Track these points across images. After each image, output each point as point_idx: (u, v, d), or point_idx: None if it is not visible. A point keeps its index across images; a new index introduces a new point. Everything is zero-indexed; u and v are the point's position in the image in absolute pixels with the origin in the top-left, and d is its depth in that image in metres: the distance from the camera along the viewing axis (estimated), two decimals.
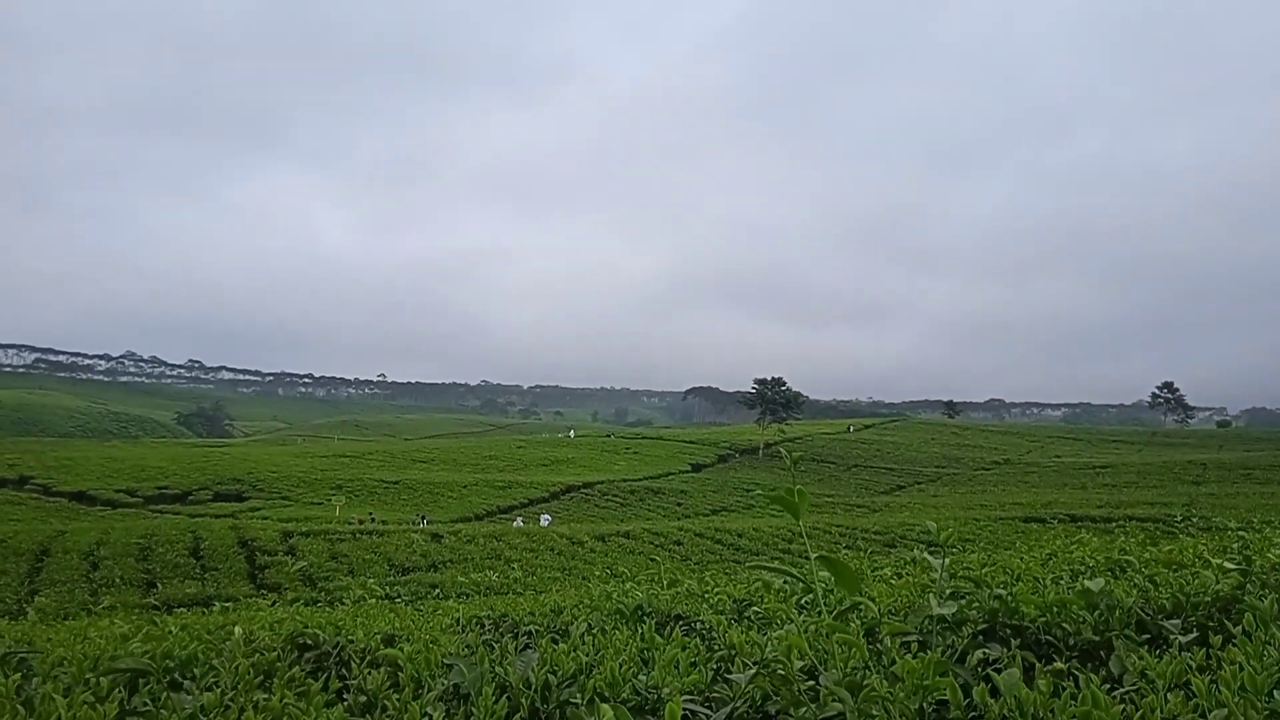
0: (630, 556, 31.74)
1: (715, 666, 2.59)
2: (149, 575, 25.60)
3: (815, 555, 2.34)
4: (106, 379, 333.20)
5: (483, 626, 4.80)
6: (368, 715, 2.41)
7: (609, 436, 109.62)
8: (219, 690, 2.46)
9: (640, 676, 2.44)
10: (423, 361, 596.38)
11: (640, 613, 4.98)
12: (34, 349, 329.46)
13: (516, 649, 3.14)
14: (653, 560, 30.63)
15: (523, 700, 2.39)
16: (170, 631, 3.90)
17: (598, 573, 25.86)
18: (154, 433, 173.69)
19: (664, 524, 44.24)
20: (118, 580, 24.56)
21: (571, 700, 2.36)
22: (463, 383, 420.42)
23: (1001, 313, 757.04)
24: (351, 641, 3.65)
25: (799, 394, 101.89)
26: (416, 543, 31.50)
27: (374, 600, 9.61)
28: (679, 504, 62.34)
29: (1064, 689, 1.94)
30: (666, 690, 2.35)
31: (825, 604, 2.41)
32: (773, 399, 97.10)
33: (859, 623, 2.67)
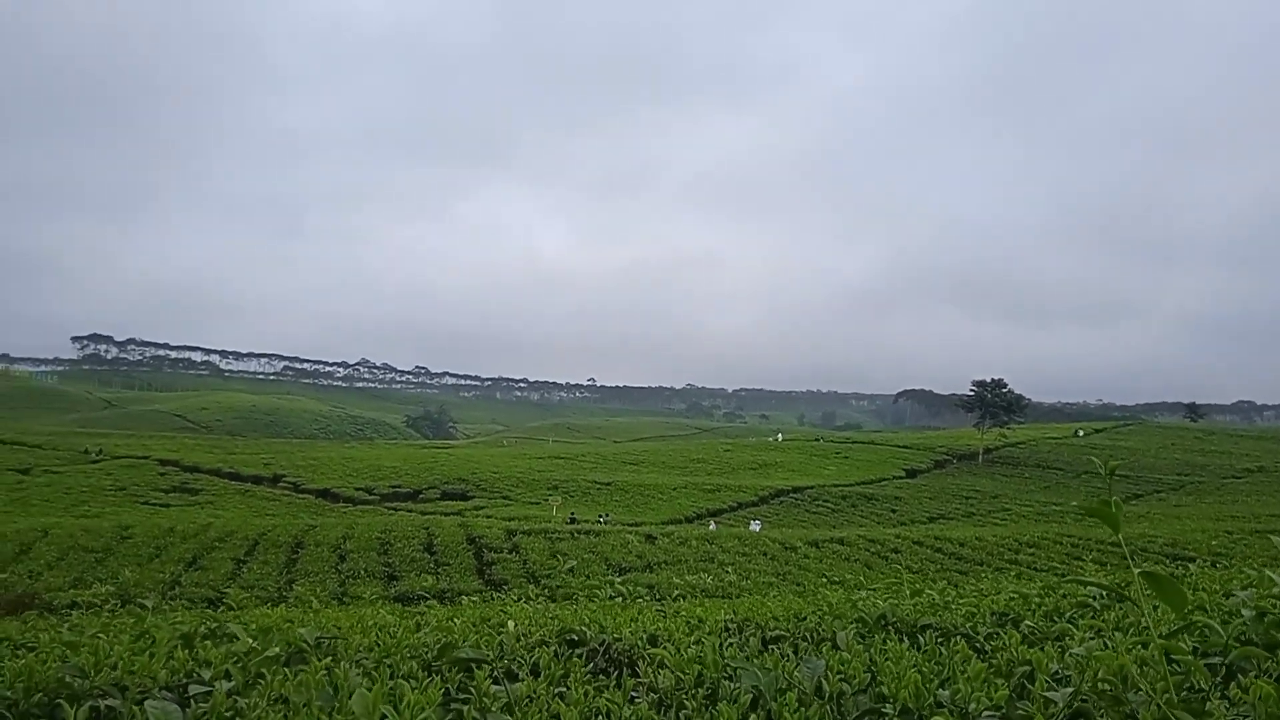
0: (845, 564, 31.09)
1: (1015, 684, 2.47)
2: (389, 568, 27.37)
3: (1139, 570, 2.17)
4: (344, 385, 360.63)
5: (727, 629, 4.80)
6: (664, 713, 2.44)
7: (818, 440, 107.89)
8: (526, 681, 2.57)
9: (941, 690, 2.34)
10: (631, 366, 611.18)
11: (884, 621, 4.84)
12: (282, 358, 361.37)
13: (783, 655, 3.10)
14: (867, 569, 29.90)
15: (814, 710, 2.35)
16: (454, 624, 4.13)
17: (813, 579, 25.52)
18: (386, 435, 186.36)
19: (879, 531, 43.07)
20: (362, 572, 26.38)
21: (876, 710, 2.30)
22: (669, 386, 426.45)
23: (1253, 307, 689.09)
24: (619, 639, 3.73)
25: (1021, 396, 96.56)
26: (631, 543, 32.11)
27: (610, 599, 9.83)
28: (893, 510, 60.54)
29: None
30: (973, 706, 2.25)
31: (1151, 620, 2.23)
32: (992, 402, 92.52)
33: (1187, 644, 2.46)
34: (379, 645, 3.53)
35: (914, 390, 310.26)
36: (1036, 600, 5.00)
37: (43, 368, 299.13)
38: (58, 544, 29.22)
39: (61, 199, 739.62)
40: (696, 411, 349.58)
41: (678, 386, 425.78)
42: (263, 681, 2.84)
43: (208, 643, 4.08)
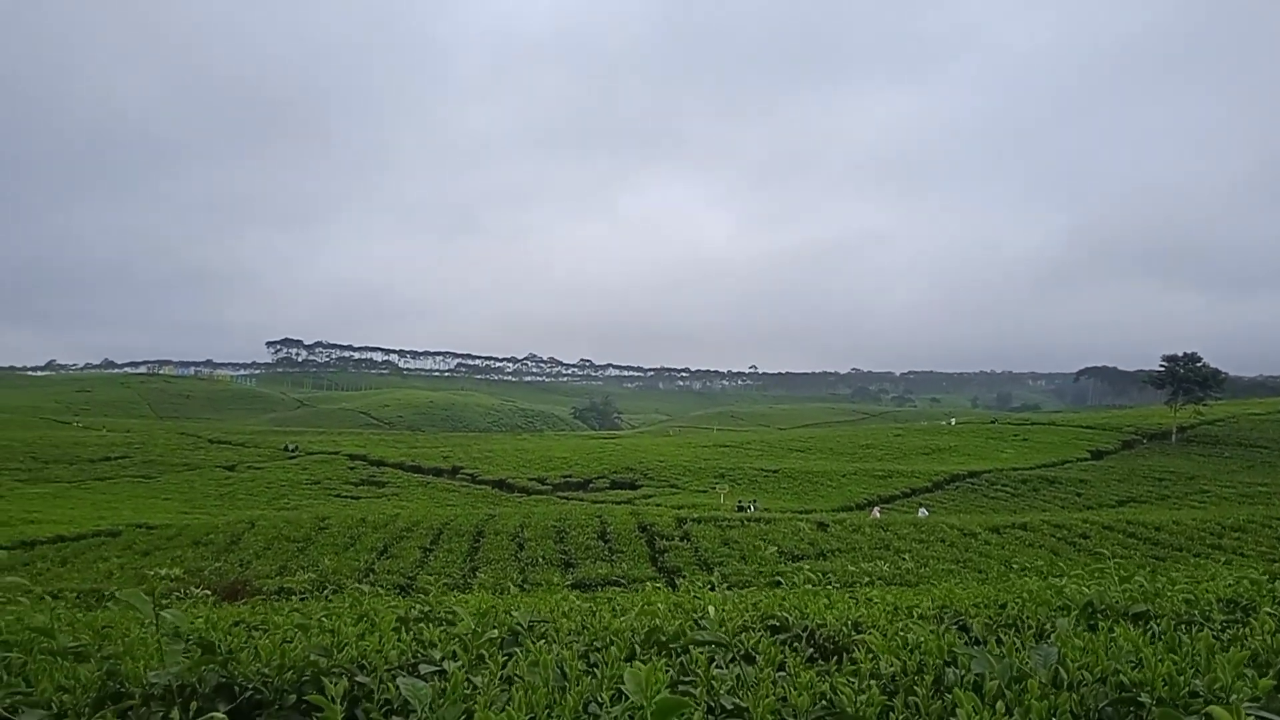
0: (1029, 550, 29.76)
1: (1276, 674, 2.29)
2: (565, 556, 28.09)
3: None
4: (513, 379, 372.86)
5: (925, 617, 4.67)
6: (894, 698, 2.39)
7: (993, 422, 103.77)
8: (746, 665, 2.57)
9: (1195, 679, 2.20)
10: (793, 351, 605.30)
11: (1091, 609, 4.61)
12: (455, 355, 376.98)
13: (967, 642, 2.99)
14: (1054, 555, 28.55)
15: (1063, 699, 2.25)
16: (659, 609, 4.20)
17: (995, 566, 24.57)
18: (554, 426, 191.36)
19: (1064, 515, 41.02)
20: (541, 560, 27.19)
21: (1126, 699, 2.18)
22: (833, 371, 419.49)
23: None
24: (822, 625, 3.69)
25: (1217, 371, 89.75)
26: (803, 531, 31.79)
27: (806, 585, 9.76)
28: (1078, 494, 57.56)
29: None
30: (1234, 697, 2.10)
31: None
32: (1185, 377, 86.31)
33: None
34: (587, 629, 3.61)
35: (1096, 368, 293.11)
36: (1269, 586, 4.64)
37: (242, 372, 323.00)
38: (263, 534, 31.44)
39: (258, 213, 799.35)
40: (863, 396, 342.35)
41: (843, 371, 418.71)
42: (484, 662, 2.97)
43: (422, 625, 4.29)
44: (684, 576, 24.35)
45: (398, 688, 2.39)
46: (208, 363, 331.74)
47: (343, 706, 2.28)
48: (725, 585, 15.35)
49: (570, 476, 64.82)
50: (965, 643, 2.89)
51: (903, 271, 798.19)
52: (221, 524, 34.37)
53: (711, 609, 3.85)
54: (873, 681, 2.56)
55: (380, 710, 2.44)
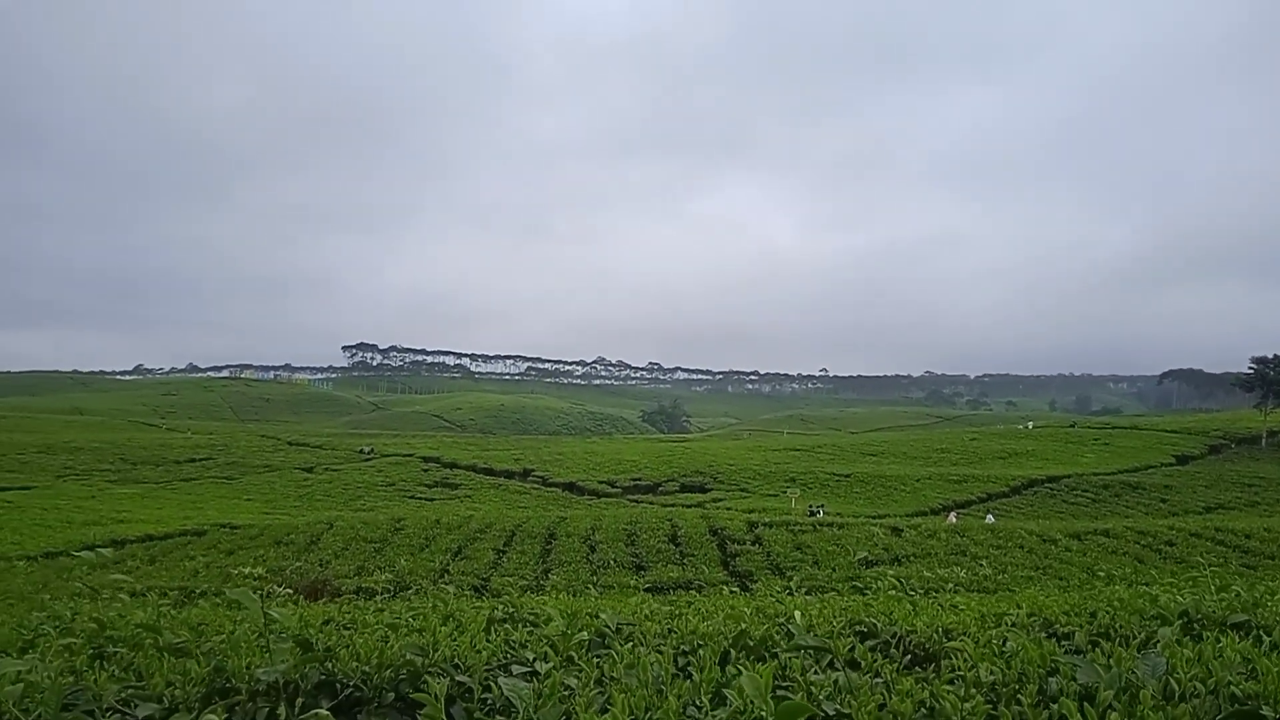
0: (1112, 557, 28.93)
1: None
2: (636, 559, 28.12)
3: None
4: (582, 382, 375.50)
5: (1015, 625, 4.57)
6: (997, 706, 2.35)
7: (1073, 426, 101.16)
8: (844, 671, 2.55)
9: None
10: (864, 354, 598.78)
11: (1186, 618, 4.48)
12: (525, 358, 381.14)
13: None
14: (1138, 563, 27.73)
15: (1181, 710, 2.18)
16: (744, 613, 4.18)
17: (1077, 573, 23.98)
18: (623, 429, 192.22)
19: (1148, 522, 39.77)
20: (612, 562, 27.25)
21: (1249, 713, 2.11)
22: (906, 374, 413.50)
23: None
24: (912, 631, 3.64)
25: None
26: (876, 536, 31.36)
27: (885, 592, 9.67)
28: (1163, 500, 55.81)
29: None
30: None
31: None
32: (1276, 380, 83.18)
33: None
34: (674, 632, 3.62)
35: (1181, 370, 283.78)
36: None
37: (319, 375, 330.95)
38: (341, 535, 32.10)
39: (334, 220, 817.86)
40: (936, 400, 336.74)
41: (915, 374, 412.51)
42: (573, 663, 2.99)
43: (507, 626, 4.34)
44: (756, 581, 24.25)
45: (499, 687, 2.43)
46: (286, 366, 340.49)
47: (443, 705, 2.32)
48: (804, 591, 15.22)
49: (640, 479, 64.93)
50: (1065, 651, 2.82)
51: (978, 273, 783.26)
52: (301, 524, 35.19)
53: (798, 614, 3.83)
54: (974, 690, 2.51)
55: (481, 709, 2.48)
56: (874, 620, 3.80)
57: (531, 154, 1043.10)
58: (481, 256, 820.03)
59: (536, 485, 65.31)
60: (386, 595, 10.97)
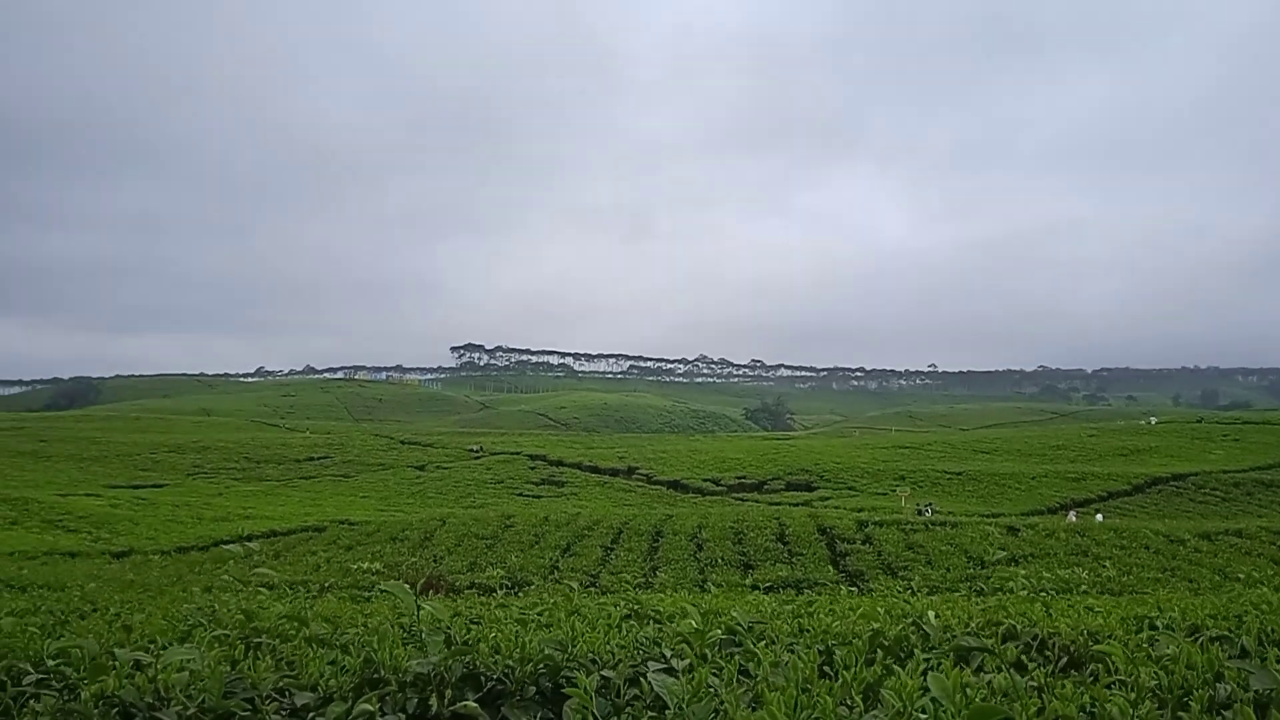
0: (1246, 559, 27.47)
1: None
2: (744, 557, 27.99)
3: None
4: (684, 380, 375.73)
5: (1154, 627, 4.39)
6: (1164, 712, 2.26)
7: (1199, 421, 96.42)
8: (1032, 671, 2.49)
9: None
10: (975, 349, 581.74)
11: None
12: (627, 357, 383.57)
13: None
14: (1276, 565, 26.26)
15: None
16: (880, 613, 4.13)
17: (1208, 575, 22.92)
18: (726, 428, 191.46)
19: None
20: (719, 561, 27.19)
21: None
22: (1017, 369, 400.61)
23: None
24: (1054, 633, 3.53)
25: None
26: (992, 535, 30.49)
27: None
28: None
29: None
30: None
31: None
32: None
33: None
34: (806, 631, 3.59)
35: None
36: None
37: (428, 375, 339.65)
38: (454, 531, 32.86)
39: (447, 223, 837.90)
40: (1051, 395, 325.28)
41: (1029, 369, 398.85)
42: (708, 660, 2.99)
43: (632, 622, 4.37)
44: (868, 580, 23.87)
45: (649, 683, 2.45)
46: (397, 367, 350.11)
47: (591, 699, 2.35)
48: (925, 591, 14.94)
49: (744, 478, 64.61)
50: (1230, 656, 2.69)
51: (1096, 262, 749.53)
52: (415, 521, 36.16)
53: (931, 614, 3.75)
54: (1132, 694, 2.42)
55: (629, 704, 2.51)
56: (1012, 621, 3.70)
57: (638, 152, 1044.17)
58: (586, 256, 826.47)
59: (641, 483, 65.65)
60: (505, 590, 11.21)
